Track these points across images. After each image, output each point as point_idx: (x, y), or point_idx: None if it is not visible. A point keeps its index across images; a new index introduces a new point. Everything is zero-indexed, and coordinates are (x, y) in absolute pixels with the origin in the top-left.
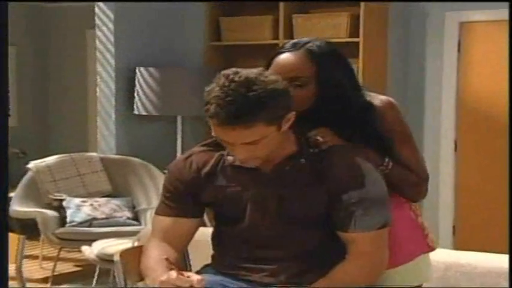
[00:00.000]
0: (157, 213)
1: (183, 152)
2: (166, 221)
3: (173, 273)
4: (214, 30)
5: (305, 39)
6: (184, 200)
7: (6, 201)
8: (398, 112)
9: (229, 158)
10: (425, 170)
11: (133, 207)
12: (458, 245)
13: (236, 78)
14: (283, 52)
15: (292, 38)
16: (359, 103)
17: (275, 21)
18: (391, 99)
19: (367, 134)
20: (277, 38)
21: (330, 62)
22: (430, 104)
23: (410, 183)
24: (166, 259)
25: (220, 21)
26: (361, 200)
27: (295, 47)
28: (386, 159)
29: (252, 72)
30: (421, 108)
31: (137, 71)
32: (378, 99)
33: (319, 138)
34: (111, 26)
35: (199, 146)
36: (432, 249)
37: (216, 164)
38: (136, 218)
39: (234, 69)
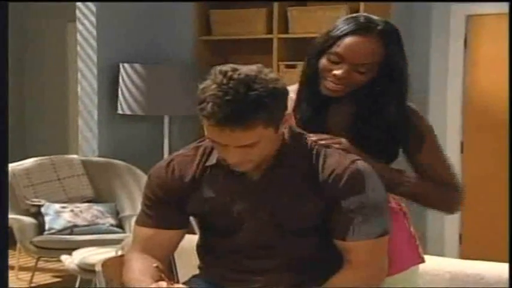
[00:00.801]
0: (137, 223)
1: (171, 154)
2: (147, 232)
3: (163, 284)
4: (204, 23)
5: (375, 19)
6: (167, 209)
7: (7, 201)
8: (425, 119)
9: (213, 159)
10: (457, 178)
11: (117, 213)
12: (465, 255)
13: (235, 76)
14: (354, 33)
15: (287, 32)
16: (404, 99)
17: (269, 14)
18: (413, 106)
19: (400, 137)
20: (271, 32)
21: (398, 48)
22: (434, 104)
23: (445, 197)
24: (157, 267)
25: (211, 14)
26: (360, 207)
27: (368, 29)
28: (406, 174)
29: (251, 69)
30: (425, 109)
31: (121, 67)
32: None
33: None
34: (93, 19)
35: (183, 150)
36: (423, 261)
37: (201, 170)
38: (120, 225)
39: (231, 66)
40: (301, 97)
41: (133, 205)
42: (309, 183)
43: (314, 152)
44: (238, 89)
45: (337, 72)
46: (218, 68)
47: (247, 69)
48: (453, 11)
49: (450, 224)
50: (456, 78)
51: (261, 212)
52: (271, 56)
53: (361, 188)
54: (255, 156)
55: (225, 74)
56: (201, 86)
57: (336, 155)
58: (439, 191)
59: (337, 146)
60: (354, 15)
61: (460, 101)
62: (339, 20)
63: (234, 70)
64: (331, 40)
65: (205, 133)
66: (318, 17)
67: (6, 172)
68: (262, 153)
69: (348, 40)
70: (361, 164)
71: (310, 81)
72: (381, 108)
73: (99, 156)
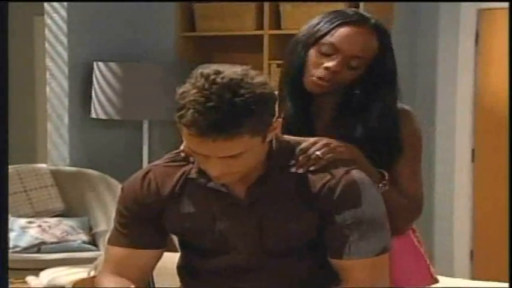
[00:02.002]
0: (110, 242)
1: (149, 163)
2: (121, 252)
3: None
4: (187, 18)
5: (365, 13)
6: (143, 227)
7: (7, 200)
8: (416, 125)
9: (193, 173)
10: (423, 197)
11: (90, 229)
12: (476, 273)
13: (218, 80)
14: (349, 24)
15: (279, 28)
16: (394, 99)
17: (259, 9)
18: (408, 108)
19: (381, 141)
20: (261, 28)
21: (390, 47)
22: (442, 106)
23: (403, 210)
24: None
25: (195, 8)
26: (356, 222)
27: (362, 21)
28: (387, 175)
29: (236, 72)
30: (432, 111)
31: (95, 66)
32: None
33: (318, 153)
34: (63, 12)
35: (161, 160)
36: (436, 281)
37: (181, 183)
38: (93, 242)
39: (214, 68)
40: (283, 94)
41: (108, 220)
42: (300, 198)
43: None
44: (222, 94)
45: (329, 64)
46: (199, 70)
47: (231, 72)
48: (463, 5)
49: (460, 239)
50: (466, 78)
51: (247, 232)
52: (262, 55)
53: (357, 200)
54: (239, 167)
55: (207, 77)
56: (179, 91)
57: (328, 163)
58: (402, 202)
59: (329, 155)
60: (340, 9)
61: (471, 104)
62: (320, 15)
63: (217, 73)
64: (322, 30)
65: (185, 142)
66: (314, 13)
67: (6, 172)
68: (248, 165)
69: (344, 30)
70: (356, 174)
71: (294, 77)
72: (367, 110)
73: (71, 166)
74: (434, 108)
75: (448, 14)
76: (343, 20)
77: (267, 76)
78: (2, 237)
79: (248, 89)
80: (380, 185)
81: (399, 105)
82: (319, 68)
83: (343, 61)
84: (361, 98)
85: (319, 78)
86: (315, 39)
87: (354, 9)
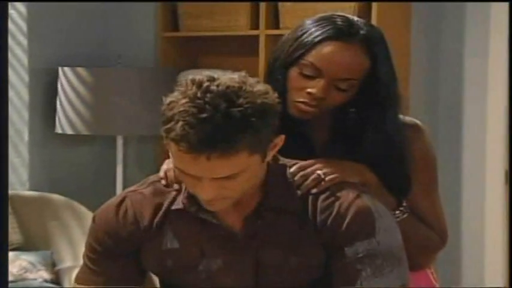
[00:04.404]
0: (78, 281)
1: (125, 187)
2: None
3: None
4: (170, 16)
5: (356, 20)
6: (117, 264)
7: (7, 198)
8: (428, 142)
9: (179, 202)
10: (446, 229)
11: (54, 264)
12: None
13: (213, 87)
14: (333, 39)
15: (278, 27)
16: (395, 118)
17: (254, 6)
18: (418, 122)
19: (390, 165)
20: (256, 27)
21: (385, 59)
22: (470, 118)
23: (425, 241)
24: None
25: (178, 5)
26: (370, 255)
27: (349, 35)
28: (404, 203)
29: (233, 79)
30: (458, 124)
31: (60, 72)
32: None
33: (319, 173)
34: (22, 8)
35: (139, 184)
36: None
37: (162, 213)
38: (57, 280)
39: (207, 74)
40: None
41: (75, 254)
42: (303, 229)
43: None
44: (218, 104)
45: (312, 90)
46: (190, 77)
47: (228, 79)
48: (494, 3)
49: (492, 272)
50: (499, 85)
51: (241, 271)
52: (257, 58)
53: (370, 230)
54: (234, 191)
55: (199, 84)
56: (167, 100)
57: (335, 188)
58: (423, 233)
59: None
60: (328, 14)
61: (505, 115)
62: (307, 20)
63: (212, 80)
64: (303, 47)
65: (172, 161)
66: (319, 10)
67: (6, 171)
68: (244, 188)
69: (326, 48)
70: (368, 199)
71: None
72: (363, 132)
73: (31, 190)
74: (460, 120)
75: (475, 11)
76: (327, 34)
77: (268, 86)
78: (2, 237)
79: (247, 98)
80: (397, 212)
81: (407, 118)
82: (302, 92)
83: (327, 85)
84: (357, 118)
85: (303, 103)
86: (294, 58)
87: (342, 15)
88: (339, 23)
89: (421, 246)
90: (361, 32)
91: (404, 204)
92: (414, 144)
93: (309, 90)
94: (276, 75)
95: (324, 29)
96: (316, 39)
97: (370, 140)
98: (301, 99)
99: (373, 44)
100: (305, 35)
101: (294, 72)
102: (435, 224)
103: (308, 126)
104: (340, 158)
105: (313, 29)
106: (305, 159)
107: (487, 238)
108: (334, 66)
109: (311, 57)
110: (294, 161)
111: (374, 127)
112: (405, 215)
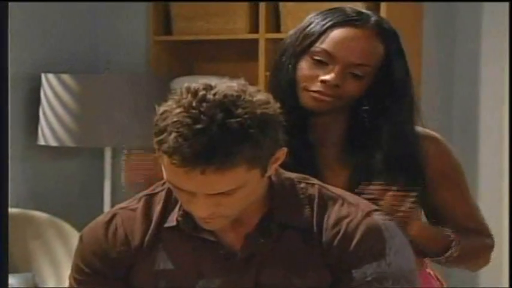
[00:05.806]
0: None
1: (114, 203)
2: None
3: None
4: (162, 19)
5: (366, 11)
6: (106, 286)
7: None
8: (449, 152)
9: (173, 219)
10: (488, 226)
11: (36, 286)
12: None
13: (209, 96)
14: (343, 25)
15: (279, 30)
16: (407, 121)
17: (253, 8)
18: (435, 134)
19: (398, 170)
20: (256, 30)
21: (399, 51)
22: (486, 127)
23: (482, 253)
24: None
25: (171, 7)
26: (379, 278)
27: (360, 20)
28: (454, 242)
29: (231, 87)
30: (474, 134)
31: (43, 79)
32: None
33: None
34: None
35: (130, 201)
36: None
37: (154, 231)
38: None
39: (203, 82)
40: None
41: (58, 276)
42: (308, 249)
43: (312, 203)
44: (214, 114)
45: (326, 77)
46: (186, 84)
47: (225, 87)
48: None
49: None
50: None
51: None
52: (256, 64)
53: (380, 251)
54: (231, 209)
55: (195, 93)
56: (160, 110)
57: (344, 204)
58: (480, 243)
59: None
60: (335, 7)
61: None
62: (313, 14)
63: (208, 88)
64: (312, 35)
65: (164, 175)
66: None
67: (6, 172)
68: (243, 205)
69: (338, 33)
70: (379, 217)
71: (287, 94)
72: (377, 130)
73: (11, 206)
74: (475, 129)
75: (492, 10)
76: (337, 19)
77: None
78: (1, 237)
79: (246, 108)
80: (450, 251)
81: (420, 128)
82: (315, 81)
83: (342, 71)
84: (372, 115)
85: (318, 92)
86: (304, 47)
87: (351, 7)
88: (349, 11)
89: (482, 257)
90: (373, 18)
91: (456, 241)
92: (439, 159)
93: (322, 77)
94: (285, 68)
95: (333, 16)
96: (326, 25)
97: (386, 137)
98: (316, 89)
99: (386, 31)
100: (312, 24)
101: (305, 61)
102: (480, 228)
103: (321, 124)
104: (356, 164)
105: (321, 17)
106: (306, 159)
107: (505, 239)
108: (348, 50)
109: (322, 43)
110: (299, 176)
111: (389, 124)
112: (460, 245)
